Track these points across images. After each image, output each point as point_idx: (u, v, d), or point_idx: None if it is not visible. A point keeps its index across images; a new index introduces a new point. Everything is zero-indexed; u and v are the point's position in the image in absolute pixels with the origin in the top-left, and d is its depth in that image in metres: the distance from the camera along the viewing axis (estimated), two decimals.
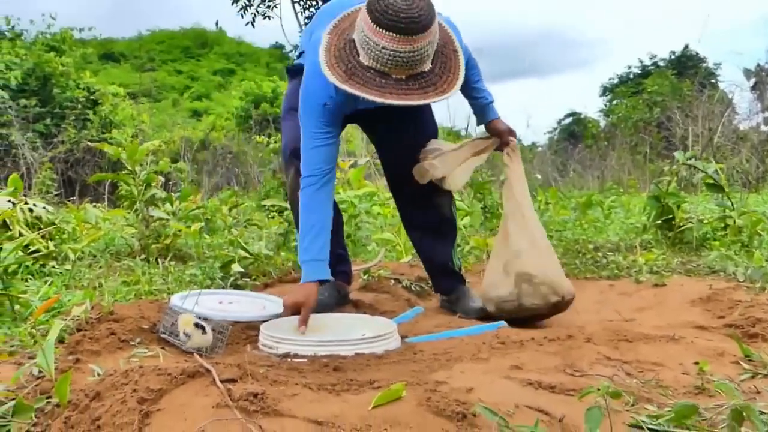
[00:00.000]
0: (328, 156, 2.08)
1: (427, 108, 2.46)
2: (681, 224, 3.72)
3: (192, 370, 1.27)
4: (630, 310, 2.36)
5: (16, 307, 2.06)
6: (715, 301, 2.35)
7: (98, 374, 1.38)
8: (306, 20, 12.84)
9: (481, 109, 2.40)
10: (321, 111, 2.02)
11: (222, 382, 1.22)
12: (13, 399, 1.24)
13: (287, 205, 5.39)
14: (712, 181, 3.80)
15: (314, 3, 12.61)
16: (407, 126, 2.35)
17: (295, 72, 2.38)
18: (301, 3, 12.70)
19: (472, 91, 2.36)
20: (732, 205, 3.72)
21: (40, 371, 1.35)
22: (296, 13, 12.76)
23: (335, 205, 2.57)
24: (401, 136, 2.36)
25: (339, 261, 2.51)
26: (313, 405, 1.17)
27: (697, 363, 1.56)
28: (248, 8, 12.51)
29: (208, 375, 1.27)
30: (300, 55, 2.39)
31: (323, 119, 2.03)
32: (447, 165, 2.29)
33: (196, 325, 1.68)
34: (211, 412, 1.11)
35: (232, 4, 12.40)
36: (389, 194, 4.42)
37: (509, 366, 1.55)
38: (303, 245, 2.08)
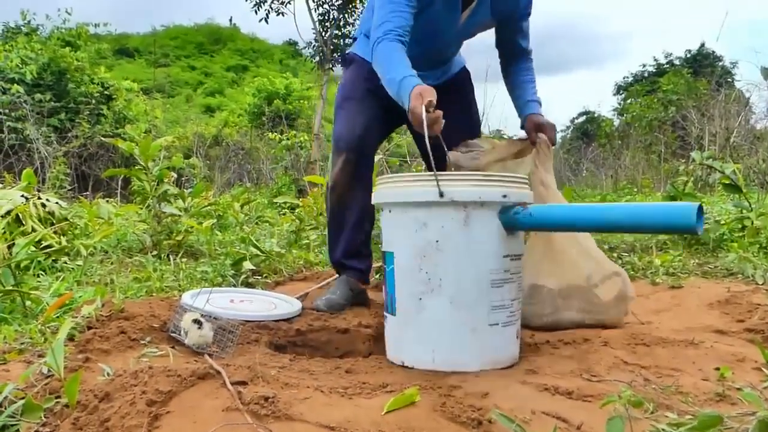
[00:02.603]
0: (403, 21, 2.01)
1: (472, 98, 2.51)
2: None
3: (202, 372, 1.25)
4: (647, 312, 2.32)
5: (27, 303, 2.05)
6: (733, 304, 2.31)
7: (108, 374, 1.36)
8: (319, 17, 12.84)
9: (529, 99, 2.29)
10: None
11: (232, 384, 1.20)
12: (23, 398, 1.23)
13: (299, 202, 5.39)
14: (729, 182, 3.74)
15: None
16: (453, 111, 2.31)
17: (350, 60, 2.42)
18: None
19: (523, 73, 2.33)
20: (750, 206, 3.66)
21: (49, 370, 1.34)
22: (310, 10, 12.76)
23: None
24: (451, 109, 2.32)
25: (356, 257, 2.45)
26: (325, 409, 1.15)
27: (717, 369, 1.52)
28: (262, 4, 12.52)
29: (218, 377, 1.25)
30: (355, 40, 2.46)
31: None
32: (473, 162, 2.08)
33: (194, 321, 1.66)
34: (221, 416, 1.09)
35: (247, 0, 12.42)
36: None
37: (524, 370, 1.53)
38: (389, 76, 1.93)
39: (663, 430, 1.13)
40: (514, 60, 2.34)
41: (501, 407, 1.18)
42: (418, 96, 1.76)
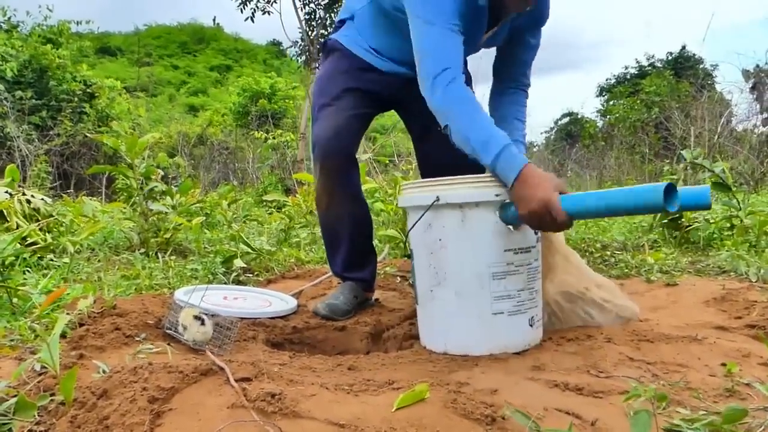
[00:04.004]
0: (459, 48, 1.70)
1: None
2: (688, 224, 3.68)
3: (204, 368, 1.20)
4: (644, 309, 2.30)
5: (15, 300, 1.99)
6: (729, 301, 2.30)
7: (103, 371, 1.31)
8: (306, 16, 12.78)
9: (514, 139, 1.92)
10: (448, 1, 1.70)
11: (236, 381, 1.16)
12: (15, 396, 1.18)
13: (288, 200, 5.34)
14: (718, 181, 3.75)
15: None
16: None
17: (331, 49, 2.18)
18: None
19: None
20: (739, 204, 3.67)
21: (42, 367, 1.29)
22: (296, 9, 12.69)
23: (365, 203, 2.31)
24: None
25: (357, 268, 2.28)
26: (333, 406, 1.11)
27: (723, 364, 1.51)
28: (248, 3, 12.43)
29: (221, 373, 1.20)
30: (339, 26, 2.20)
31: (450, 7, 1.69)
32: None
33: (196, 317, 1.61)
34: (226, 413, 1.05)
35: None
36: (392, 190, 4.37)
37: (530, 367, 1.50)
38: (482, 138, 1.60)
39: (678, 425, 1.11)
40: (510, 89, 2.04)
41: (512, 403, 1.15)
42: (547, 200, 1.48)
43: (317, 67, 12.92)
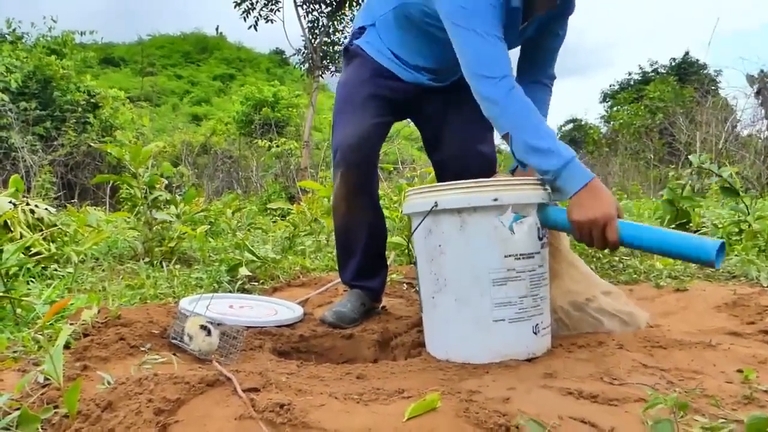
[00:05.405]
0: (507, 54, 1.70)
1: None
2: (697, 228, 3.64)
3: (211, 379, 1.18)
4: (654, 315, 2.27)
5: (18, 310, 1.97)
6: (741, 306, 2.27)
7: (108, 382, 1.29)
8: (309, 24, 12.83)
9: None
10: (490, 10, 1.68)
11: (244, 391, 1.13)
12: (18, 409, 1.15)
13: (292, 208, 5.32)
14: (727, 185, 3.72)
15: (317, 6, 12.58)
16: (466, 107, 2.03)
17: (354, 55, 2.16)
18: (304, 7, 12.67)
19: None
20: (747, 209, 3.64)
21: (46, 379, 1.26)
22: (299, 17, 12.72)
23: (382, 213, 2.30)
24: (461, 109, 2.08)
25: (368, 277, 2.26)
26: (343, 416, 1.09)
27: (740, 371, 1.48)
28: (251, 12, 12.49)
29: (228, 384, 1.18)
30: (359, 33, 2.17)
31: (493, 16, 1.68)
32: None
33: (202, 327, 1.59)
34: (234, 425, 1.02)
35: (235, 7, 12.38)
36: (397, 197, 4.34)
37: (542, 374, 1.47)
38: (548, 147, 1.60)
39: None
40: (533, 83, 2.03)
41: (526, 412, 1.12)
42: (609, 216, 1.52)
43: (321, 75, 12.96)
